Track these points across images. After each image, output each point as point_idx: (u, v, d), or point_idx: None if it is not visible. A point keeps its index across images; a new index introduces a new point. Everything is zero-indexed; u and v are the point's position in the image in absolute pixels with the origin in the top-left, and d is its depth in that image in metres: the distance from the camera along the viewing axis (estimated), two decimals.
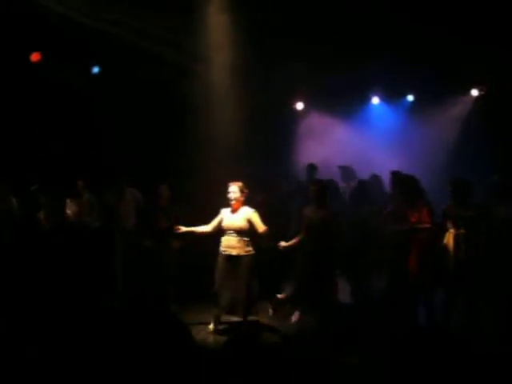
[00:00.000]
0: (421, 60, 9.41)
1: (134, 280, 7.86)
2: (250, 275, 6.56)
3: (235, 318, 6.79)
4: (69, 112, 9.09)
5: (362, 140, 10.60)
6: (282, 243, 6.84)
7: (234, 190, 6.65)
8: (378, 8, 8.94)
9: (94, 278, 7.63)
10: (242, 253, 6.56)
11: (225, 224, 6.66)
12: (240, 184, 6.68)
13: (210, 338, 6.57)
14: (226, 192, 6.69)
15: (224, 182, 6.88)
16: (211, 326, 6.78)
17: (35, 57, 9.27)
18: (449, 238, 6.53)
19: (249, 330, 6.22)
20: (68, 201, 8.34)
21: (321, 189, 6.88)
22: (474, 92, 10.75)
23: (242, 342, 2.78)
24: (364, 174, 8.86)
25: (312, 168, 9.43)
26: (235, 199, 6.63)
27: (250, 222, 6.58)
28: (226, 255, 6.61)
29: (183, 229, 6.84)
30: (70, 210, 8.35)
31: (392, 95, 11.09)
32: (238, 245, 6.57)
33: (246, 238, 6.59)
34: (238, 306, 6.55)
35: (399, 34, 9.08)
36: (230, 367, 2.67)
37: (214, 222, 6.79)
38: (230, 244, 6.60)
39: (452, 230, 6.50)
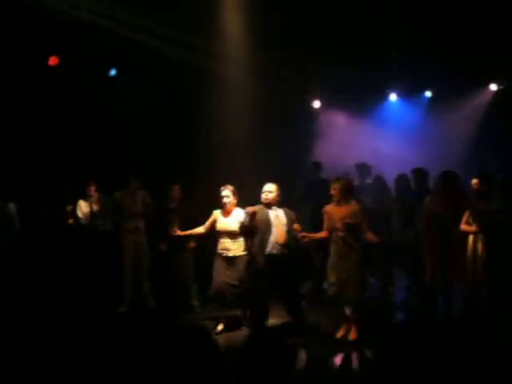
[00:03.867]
0: (438, 56, 9.32)
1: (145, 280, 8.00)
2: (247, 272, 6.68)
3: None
4: (86, 114, 9.15)
5: (380, 137, 10.53)
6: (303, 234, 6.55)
7: (228, 193, 6.76)
8: (395, 5, 8.88)
9: (103, 281, 7.76)
10: (238, 253, 6.71)
11: (219, 227, 6.82)
12: (231, 187, 6.81)
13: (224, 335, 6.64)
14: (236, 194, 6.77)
15: (238, 181, 6.95)
16: (220, 327, 6.80)
17: (53, 61, 9.35)
18: (468, 238, 6.38)
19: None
20: (81, 202, 8.47)
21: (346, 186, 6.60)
22: (493, 86, 10.62)
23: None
24: (382, 171, 8.81)
25: (316, 166, 9.36)
26: (229, 203, 6.76)
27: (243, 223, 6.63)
28: (224, 256, 6.74)
29: (180, 232, 7.05)
30: (81, 212, 8.48)
31: (410, 92, 11.00)
32: (234, 247, 6.73)
33: (240, 240, 6.73)
34: (238, 302, 6.68)
35: (416, 30, 9.01)
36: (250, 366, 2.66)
37: (207, 223, 6.94)
38: (226, 246, 6.75)
39: (472, 228, 6.33)
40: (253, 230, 6.41)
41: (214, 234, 6.95)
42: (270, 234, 6.37)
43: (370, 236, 6.28)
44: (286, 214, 6.51)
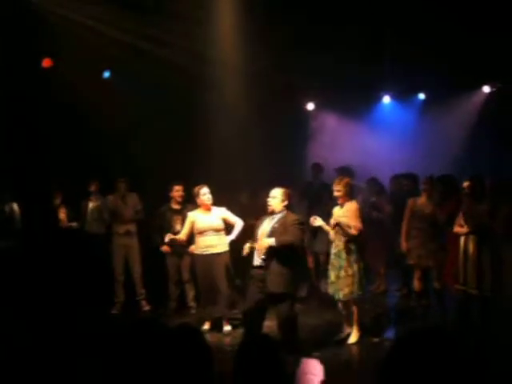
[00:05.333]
0: (431, 58, 9.35)
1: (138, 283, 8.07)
2: (230, 270, 6.81)
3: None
4: (79, 117, 9.11)
5: (374, 139, 10.57)
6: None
7: (208, 191, 6.83)
8: (388, 7, 8.91)
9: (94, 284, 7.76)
10: (223, 249, 6.77)
11: (200, 226, 6.79)
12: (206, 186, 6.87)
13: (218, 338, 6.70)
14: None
15: (237, 184, 6.96)
16: (206, 327, 6.93)
17: (46, 63, 9.32)
18: (460, 239, 6.38)
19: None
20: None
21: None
22: (486, 88, 10.67)
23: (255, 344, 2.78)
24: (376, 173, 8.84)
25: (317, 168, 9.33)
26: (210, 200, 6.84)
27: (224, 219, 6.87)
28: (207, 255, 6.73)
29: (172, 236, 7.00)
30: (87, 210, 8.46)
31: (403, 94, 11.04)
32: (219, 242, 6.79)
33: (223, 235, 6.85)
34: (222, 302, 6.73)
35: (409, 32, 9.04)
36: (246, 369, 2.67)
37: (186, 230, 6.90)
38: (211, 243, 6.76)
39: (464, 229, 6.35)
40: None
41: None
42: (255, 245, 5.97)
43: (353, 231, 6.17)
44: (280, 219, 5.95)
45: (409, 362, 1.66)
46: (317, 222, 6.28)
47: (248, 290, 5.99)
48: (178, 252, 7.66)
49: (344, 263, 6.20)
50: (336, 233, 6.28)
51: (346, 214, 6.26)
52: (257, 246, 5.90)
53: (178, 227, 7.55)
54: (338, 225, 6.23)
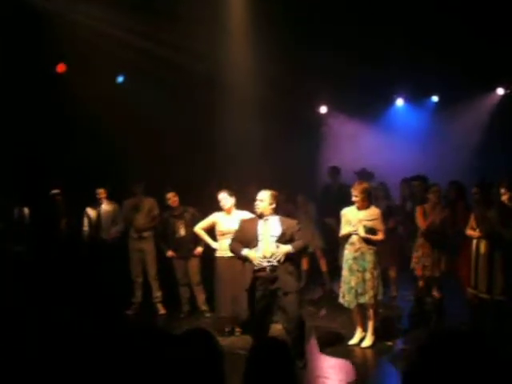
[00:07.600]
0: (445, 60, 9.32)
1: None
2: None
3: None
4: (93, 121, 9.16)
5: (387, 142, 10.53)
6: None
7: (224, 196, 6.81)
8: (402, 9, 8.89)
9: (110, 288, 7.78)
10: None
11: (222, 228, 6.82)
12: (227, 191, 6.82)
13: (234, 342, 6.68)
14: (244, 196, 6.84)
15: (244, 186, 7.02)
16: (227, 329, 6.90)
17: (60, 68, 9.41)
18: (472, 242, 6.41)
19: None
20: (88, 209, 8.42)
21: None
22: (500, 91, 10.60)
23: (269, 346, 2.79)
24: (389, 176, 8.81)
25: (335, 171, 9.34)
26: (226, 205, 6.80)
27: None
28: (228, 258, 6.57)
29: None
30: (88, 218, 8.43)
31: (416, 96, 11.00)
32: None
33: None
34: (242, 305, 6.39)
35: (422, 34, 9.02)
36: (257, 372, 2.67)
37: (203, 225, 7.05)
38: None
39: (476, 233, 6.36)
40: None
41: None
42: (256, 248, 5.73)
43: (381, 235, 6.27)
44: (282, 224, 5.80)
45: (436, 366, 1.66)
46: (361, 231, 6.21)
47: (255, 292, 5.78)
48: (184, 256, 7.74)
49: (369, 265, 6.17)
50: (359, 236, 6.26)
51: (369, 217, 6.24)
52: (275, 252, 5.63)
53: (181, 232, 7.63)
54: (365, 230, 6.23)
